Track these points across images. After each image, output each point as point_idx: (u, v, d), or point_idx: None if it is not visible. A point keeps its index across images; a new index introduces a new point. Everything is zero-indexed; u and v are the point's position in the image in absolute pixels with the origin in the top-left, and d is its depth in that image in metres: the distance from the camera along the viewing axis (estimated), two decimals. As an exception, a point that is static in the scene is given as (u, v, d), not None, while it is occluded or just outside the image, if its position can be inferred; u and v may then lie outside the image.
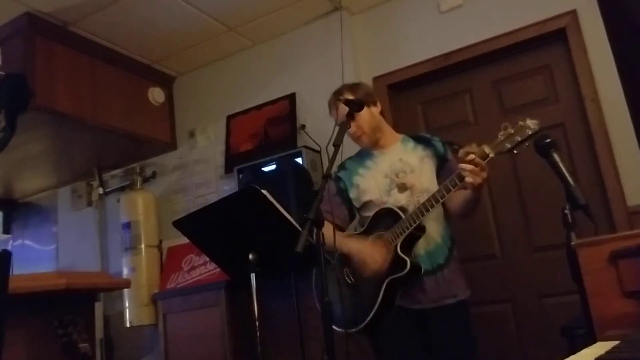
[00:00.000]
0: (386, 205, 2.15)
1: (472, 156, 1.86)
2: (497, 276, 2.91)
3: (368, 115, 2.21)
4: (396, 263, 2.03)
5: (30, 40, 3.08)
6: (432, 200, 2.00)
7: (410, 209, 2.09)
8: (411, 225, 2.02)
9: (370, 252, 2.06)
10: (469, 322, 2.17)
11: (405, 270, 2.00)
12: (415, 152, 2.25)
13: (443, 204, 2.11)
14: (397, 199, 2.16)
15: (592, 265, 1.27)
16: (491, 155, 1.87)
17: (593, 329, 1.25)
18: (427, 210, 2.00)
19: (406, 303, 2.11)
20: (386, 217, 2.13)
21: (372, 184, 2.24)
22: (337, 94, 2.25)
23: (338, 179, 2.31)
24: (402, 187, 2.18)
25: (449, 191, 1.97)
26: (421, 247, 2.11)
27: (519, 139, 1.82)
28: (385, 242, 2.08)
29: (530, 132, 1.81)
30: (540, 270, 2.80)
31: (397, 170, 2.20)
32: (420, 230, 2.07)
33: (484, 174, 1.88)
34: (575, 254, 1.32)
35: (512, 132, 1.84)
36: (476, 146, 1.89)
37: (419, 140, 2.29)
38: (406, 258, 2.01)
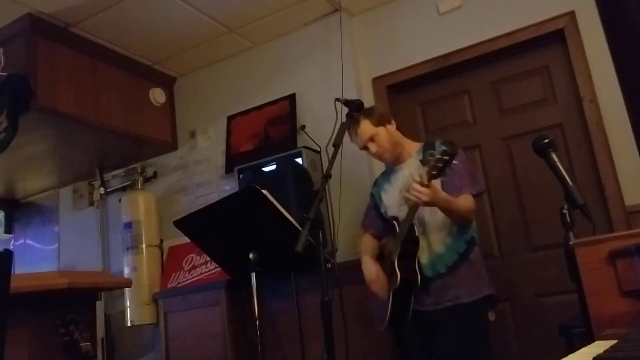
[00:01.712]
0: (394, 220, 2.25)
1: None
2: (495, 275, 2.90)
3: (386, 134, 2.31)
4: (395, 276, 2.10)
5: (32, 42, 3.09)
6: (405, 223, 2.13)
7: (416, 222, 2.18)
8: (400, 243, 2.12)
9: (369, 273, 2.24)
10: (472, 326, 2.16)
11: (397, 285, 2.08)
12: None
13: None
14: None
15: (590, 264, 1.26)
16: (425, 182, 1.98)
17: (591, 328, 1.24)
18: (405, 233, 2.12)
19: (416, 305, 2.20)
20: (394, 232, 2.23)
21: (392, 200, 2.34)
22: (348, 116, 2.30)
23: (372, 195, 2.48)
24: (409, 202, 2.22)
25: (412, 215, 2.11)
26: (425, 256, 2.19)
27: (440, 166, 1.93)
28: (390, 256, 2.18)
29: (447, 157, 1.92)
30: (539, 270, 2.81)
31: (406, 185, 2.22)
32: (414, 244, 2.14)
33: (422, 196, 1.98)
34: (573, 253, 1.31)
35: (434, 161, 1.94)
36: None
37: (425, 149, 2.31)
38: (398, 272, 2.08)
